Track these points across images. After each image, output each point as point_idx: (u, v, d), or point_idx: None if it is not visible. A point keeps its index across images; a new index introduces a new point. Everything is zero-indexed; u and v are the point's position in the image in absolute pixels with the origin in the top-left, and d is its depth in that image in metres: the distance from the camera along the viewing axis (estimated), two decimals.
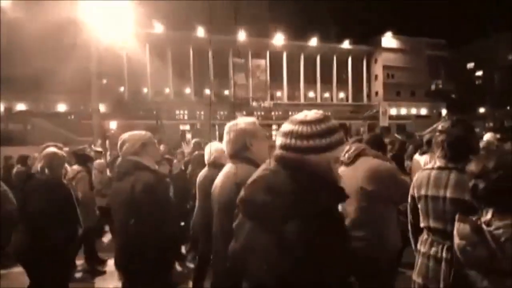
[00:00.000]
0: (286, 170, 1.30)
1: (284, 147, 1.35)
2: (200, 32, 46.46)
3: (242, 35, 48.75)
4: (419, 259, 2.40)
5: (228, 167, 2.19)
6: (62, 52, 31.96)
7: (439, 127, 2.42)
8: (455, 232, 1.91)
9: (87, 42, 14.38)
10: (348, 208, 2.95)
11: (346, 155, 3.07)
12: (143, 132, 3.00)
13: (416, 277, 2.40)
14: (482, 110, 49.93)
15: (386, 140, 5.64)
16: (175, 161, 6.65)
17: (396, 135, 18.21)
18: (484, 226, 1.76)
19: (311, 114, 1.38)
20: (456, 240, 1.88)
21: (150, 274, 2.68)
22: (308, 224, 1.19)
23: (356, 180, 2.94)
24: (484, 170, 1.81)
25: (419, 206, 2.43)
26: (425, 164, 6.05)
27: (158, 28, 45.46)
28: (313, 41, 52.73)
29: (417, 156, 6.48)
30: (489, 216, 1.77)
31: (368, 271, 2.81)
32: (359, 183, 2.94)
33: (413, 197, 2.50)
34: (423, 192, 2.37)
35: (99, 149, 8.71)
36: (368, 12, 62.20)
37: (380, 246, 2.93)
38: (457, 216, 1.94)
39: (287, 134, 1.35)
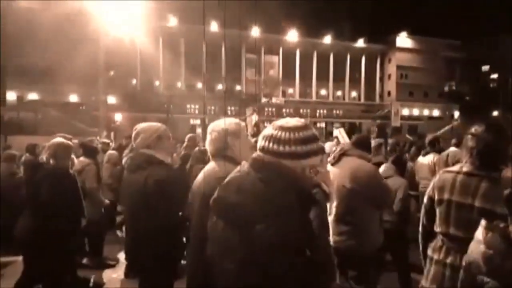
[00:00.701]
0: (260, 173, 1.35)
1: (262, 149, 1.42)
2: (214, 26, 46.37)
3: (255, 31, 48.56)
4: (431, 266, 2.31)
5: (210, 165, 2.22)
6: (74, 43, 32.21)
7: (472, 130, 2.25)
8: (480, 238, 1.79)
9: (97, 33, 14.46)
10: (333, 205, 3.17)
11: (332, 155, 3.32)
12: (158, 124, 2.96)
13: (429, 284, 2.30)
14: (495, 113, 49.13)
15: (394, 140, 5.68)
16: (174, 155, 6.57)
17: (407, 135, 18.11)
18: None
19: (292, 121, 1.45)
20: (481, 248, 1.76)
21: (159, 267, 2.68)
22: (275, 227, 1.23)
23: (338, 179, 3.14)
24: None
25: (437, 209, 2.30)
26: (429, 165, 6.26)
27: (172, 21, 45.53)
28: (327, 39, 52.42)
29: (420, 158, 6.57)
30: None
31: (348, 264, 3.16)
32: (341, 181, 3.13)
33: (431, 199, 2.37)
34: (446, 196, 2.24)
35: (107, 140, 8.70)
36: (383, 11, 61.48)
37: (360, 241, 3.10)
38: (484, 223, 1.82)
39: (266, 138, 1.42)
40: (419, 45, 55.08)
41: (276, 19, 46.31)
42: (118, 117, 23.43)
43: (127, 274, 4.69)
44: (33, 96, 41.36)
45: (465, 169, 2.20)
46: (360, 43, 54.36)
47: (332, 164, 3.27)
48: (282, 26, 48.30)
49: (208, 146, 2.26)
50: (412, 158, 7.33)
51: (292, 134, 1.38)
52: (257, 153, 1.44)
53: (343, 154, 3.28)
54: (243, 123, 2.42)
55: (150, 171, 2.68)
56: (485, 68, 57.23)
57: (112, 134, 12.94)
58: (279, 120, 1.46)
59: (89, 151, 5.38)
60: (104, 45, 14.37)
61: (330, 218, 3.13)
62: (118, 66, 34.98)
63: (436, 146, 6.55)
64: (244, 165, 1.43)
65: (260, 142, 1.44)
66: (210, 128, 2.27)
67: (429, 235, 2.41)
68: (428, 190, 2.41)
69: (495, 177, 2.05)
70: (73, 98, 43.88)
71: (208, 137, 2.25)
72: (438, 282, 2.25)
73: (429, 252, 2.35)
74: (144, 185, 2.63)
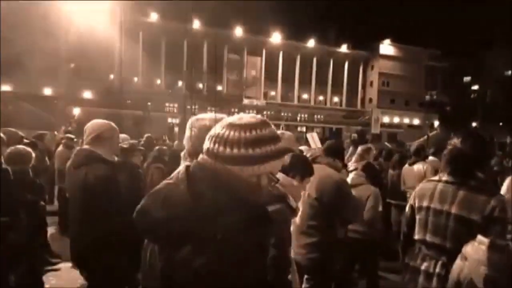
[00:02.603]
0: (191, 184, 1.12)
1: (207, 153, 1.17)
2: (196, 24, 45.75)
3: (239, 31, 48.11)
4: (407, 274, 2.34)
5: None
6: (43, 35, 31.08)
7: (450, 140, 2.31)
8: (476, 257, 1.71)
9: (64, 27, 13.70)
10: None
11: None
12: (105, 121, 2.96)
13: None
14: (474, 124, 49.75)
15: (372, 147, 5.49)
16: None
17: (386, 143, 17.86)
18: None
19: (246, 117, 1.18)
20: (482, 270, 1.67)
21: (105, 268, 2.71)
22: (206, 257, 1.05)
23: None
24: None
25: (417, 217, 2.35)
26: (419, 173, 5.93)
27: (153, 17, 44.61)
28: (311, 43, 52.18)
29: (407, 166, 6.27)
30: None
31: (311, 278, 3.04)
32: (307, 189, 2.91)
33: (412, 208, 2.43)
34: (425, 203, 2.30)
35: (72, 136, 7.94)
36: (367, 17, 61.75)
37: (323, 256, 2.98)
38: (485, 241, 1.73)
39: (211, 138, 1.17)
40: (402, 53, 55.32)
41: (260, 20, 46.02)
42: (77, 111, 22.55)
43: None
44: (5, 88, 39.84)
45: (444, 178, 2.27)
46: (344, 48, 54.28)
47: None
48: (266, 28, 47.95)
49: (185, 143, 1.93)
50: (393, 167, 7.07)
51: (243, 133, 1.12)
52: (200, 157, 1.19)
53: (312, 160, 3.01)
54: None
55: (90, 167, 2.73)
56: (467, 79, 57.98)
57: (69, 128, 12.13)
58: (231, 117, 1.21)
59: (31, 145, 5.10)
60: (65, 38, 13.58)
61: (293, 228, 2.96)
62: (96, 61, 33.89)
63: (422, 154, 6.31)
64: (181, 170, 1.20)
65: (205, 143, 1.19)
66: (189, 123, 1.94)
67: (409, 246, 2.43)
68: (410, 199, 2.47)
69: (472, 184, 2.13)
70: (47, 91, 42.55)
71: (187, 133, 1.92)
72: None
73: (407, 259, 2.39)
74: (84, 181, 2.68)
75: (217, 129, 1.18)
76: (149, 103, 42.70)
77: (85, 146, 2.86)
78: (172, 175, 1.22)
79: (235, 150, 1.12)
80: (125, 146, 4.19)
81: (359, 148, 5.17)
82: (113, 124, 2.97)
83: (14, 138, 4.76)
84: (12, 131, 4.97)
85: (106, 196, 2.69)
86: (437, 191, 2.25)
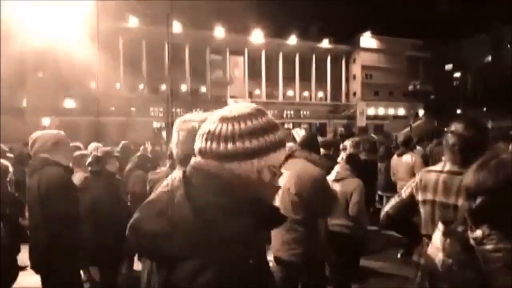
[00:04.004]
0: (192, 189, 1.00)
1: (200, 153, 1.06)
2: (177, 27, 45.34)
3: (220, 31, 47.85)
4: (419, 272, 2.16)
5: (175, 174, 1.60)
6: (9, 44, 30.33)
7: (452, 128, 2.20)
8: (438, 245, 1.69)
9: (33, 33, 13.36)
10: None
11: None
12: (55, 131, 3.14)
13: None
14: (458, 111, 50.33)
15: (357, 139, 5.52)
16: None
17: (373, 135, 17.90)
18: (473, 244, 1.52)
19: (238, 107, 1.07)
20: (439, 256, 1.68)
21: (62, 272, 2.80)
22: (213, 268, 0.93)
23: (284, 182, 2.92)
24: (485, 185, 1.51)
25: (422, 210, 2.27)
26: (407, 164, 5.90)
27: (133, 22, 44.13)
28: (292, 40, 52.15)
29: (395, 158, 6.24)
30: (480, 233, 1.50)
31: (292, 276, 3.00)
32: (286, 185, 2.95)
33: (412, 196, 2.32)
34: (429, 196, 2.20)
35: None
36: (347, 11, 62.00)
37: (304, 251, 2.93)
38: (441, 227, 1.72)
39: (202, 136, 1.06)
40: (383, 45, 55.62)
41: (241, 19, 45.85)
42: (47, 122, 22.08)
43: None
44: None
45: (447, 167, 2.19)
46: (325, 43, 54.36)
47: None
48: (247, 27, 47.79)
49: (174, 149, 1.70)
50: (381, 159, 7.14)
51: (237, 125, 1.01)
52: (194, 159, 1.08)
53: (290, 155, 3.07)
54: None
55: (45, 171, 2.85)
56: (448, 67, 58.57)
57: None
58: (221, 109, 1.09)
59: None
60: (30, 46, 13.22)
61: None
62: (79, 69, 33.21)
63: (410, 145, 6.34)
64: (176, 177, 1.08)
65: (196, 143, 1.07)
66: (177, 125, 1.70)
67: (390, 225, 2.46)
68: (411, 187, 2.34)
69: None
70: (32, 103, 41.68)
71: (175, 138, 1.69)
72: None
73: (415, 257, 2.34)
74: (38, 185, 2.80)
75: (207, 126, 1.07)
76: (133, 109, 42.27)
77: (40, 154, 2.95)
78: (166, 182, 1.09)
79: (230, 145, 1.00)
80: (99, 154, 4.07)
81: (347, 142, 5.12)
82: (62, 132, 3.14)
83: None
84: None
85: (62, 198, 2.78)
86: (440, 183, 2.16)
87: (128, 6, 38.09)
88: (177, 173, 1.57)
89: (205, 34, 46.52)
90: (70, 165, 3.25)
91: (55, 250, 2.72)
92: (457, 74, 55.10)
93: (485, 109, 46.55)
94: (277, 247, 2.98)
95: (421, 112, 54.12)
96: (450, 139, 2.18)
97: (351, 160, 4.08)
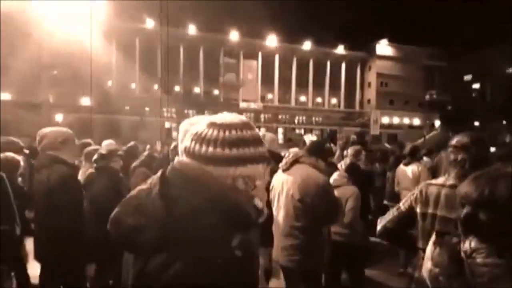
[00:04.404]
0: (167, 187, 1.07)
1: (185, 151, 1.14)
2: (192, 29, 45.70)
3: (234, 35, 48.00)
4: (412, 284, 2.26)
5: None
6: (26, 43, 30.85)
7: (453, 143, 2.21)
8: (427, 253, 1.74)
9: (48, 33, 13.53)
10: (279, 216, 3.06)
11: (284, 161, 3.15)
12: (63, 129, 3.20)
13: None
14: (476, 123, 49.39)
15: (358, 147, 5.45)
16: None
17: (386, 144, 17.66)
18: (463, 256, 1.53)
19: (229, 116, 1.15)
20: (428, 265, 1.71)
21: (65, 266, 2.89)
22: (177, 258, 0.99)
23: (288, 187, 3.00)
24: (489, 197, 1.47)
25: (421, 223, 2.26)
26: (413, 174, 5.84)
27: (149, 23, 44.61)
28: (307, 45, 52.03)
29: (401, 167, 6.14)
30: (472, 245, 1.51)
31: (294, 281, 3.05)
32: (290, 191, 2.99)
33: (411, 208, 2.32)
34: (430, 210, 2.20)
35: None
36: (363, 18, 61.64)
37: (305, 258, 2.95)
38: (433, 237, 1.75)
39: (191, 136, 1.14)
40: (400, 53, 55.12)
41: (255, 23, 45.96)
42: (59, 118, 22.34)
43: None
44: (5, 96, 39.67)
45: (450, 182, 2.17)
46: (340, 49, 54.08)
47: (284, 171, 3.14)
48: (261, 31, 47.87)
49: (179, 149, 1.65)
50: (390, 168, 6.99)
51: (222, 133, 1.09)
52: (177, 159, 1.16)
53: (295, 160, 3.10)
54: None
55: (53, 168, 2.91)
56: (467, 77, 57.52)
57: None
58: (215, 115, 1.16)
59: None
60: (46, 44, 13.36)
61: (275, 230, 3.11)
62: (96, 67, 33.66)
63: (417, 155, 6.26)
64: (157, 174, 1.15)
65: (185, 142, 1.15)
66: (184, 126, 1.71)
67: (388, 237, 2.45)
68: (410, 200, 2.34)
69: None
70: (51, 99, 42.41)
71: (181, 138, 1.71)
72: None
73: (409, 269, 2.49)
74: (47, 183, 2.86)
75: (197, 128, 1.14)
76: (146, 108, 42.62)
77: (48, 152, 3.02)
78: (149, 180, 1.15)
79: (210, 149, 1.07)
80: (104, 152, 4.26)
81: (349, 150, 5.20)
82: (69, 130, 3.20)
83: (13, 147, 4.73)
84: (11, 140, 4.97)
85: (68, 195, 2.86)
86: (442, 197, 2.16)
87: (144, 7, 38.45)
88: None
89: (220, 37, 46.72)
90: (76, 162, 3.37)
91: (58, 242, 2.83)
92: (476, 85, 54.06)
93: (504, 122, 45.59)
94: (276, 252, 3.01)
95: (437, 123, 53.26)
96: (452, 153, 2.19)
97: (350, 168, 4.13)
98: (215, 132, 1.09)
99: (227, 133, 1.09)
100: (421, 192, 2.29)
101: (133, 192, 1.13)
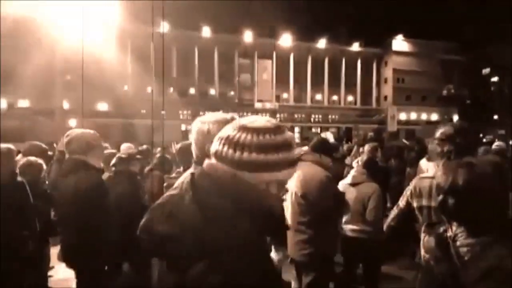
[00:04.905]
0: (200, 193, 1.06)
1: (215, 155, 1.10)
2: (206, 31, 45.92)
3: (248, 35, 48.03)
4: (419, 273, 2.33)
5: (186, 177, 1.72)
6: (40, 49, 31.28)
7: (438, 135, 2.29)
8: (421, 243, 1.98)
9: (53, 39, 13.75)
10: (288, 213, 3.09)
11: None
12: (91, 131, 3.11)
13: None
14: (496, 117, 48.27)
15: (375, 144, 5.56)
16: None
17: (404, 140, 17.41)
18: (450, 241, 1.69)
19: (261, 120, 1.11)
20: (422, 252, 1.98)
21: (90, 271, 2.92)
22: (219, 270, 0.97)
23: (292, 184, 3.04)
24: (454, 185, 1.61)
25: (419, 217, 2.35)
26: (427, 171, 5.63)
27: (164, 27, 45.00)
28: (321, 43, 51.70)
29: (424, 162, 5.94)
30: (456, 230, 1.68)
31: (305, 273, 3.15)
32: (293, 187, 3.07)
33: (408, 204, 2.43)
34: (425, 202, 2.27)
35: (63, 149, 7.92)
36: (378, 13, 60.85)
37: (314, 251, 3.03)
38: (423, 227, 2.00)
39: (221, 140, 1.10)
40: (416, 48, 54.22)
41: (269, 22, 45.91)
42: (73, 123, 22.69)
43: None
44: (24, 103, 40.42)
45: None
46: (356, 47, 53.53)
47: None
48: (275, 30, 47.77)
49: (193, 149, 1.75)
50: (411, 164, 6.91)
51: (256, 137, 1.05)
52: (206, 162, 1.13)
53: (299, 158, 2.77)
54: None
55: (81, 175, 2.88)
56: (486, 71, 56.25)
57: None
58: (245, 118, 1.13)
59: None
60: (57, 50, 13.57)
61: None
62: (110, 72, 34.21)
63: None
64: (185, 179, 1.16)
65: (214, 145, 1.11)
66: (195, 125, 1.73)
67: (393, 235, 2.56)
68: (407, 195, 2.46)
69: None
70: (65, 105, 43.09)
71: (192, 137, 1.78)
72: None
73: (417, 259, 2.58)
74: (75, 189, 2.83)
75: (227, 131, 1.10)
76: (163, 112, 42.96)
77: (75, 156, 2.98)
78: (177, 184, 1.18)
79: (245, 154, 1.04)
80: (123, 156, 4.41)
81: (366, 146, 5.24)
82: (96, 132, 3.11)
83: (38, 151, 4.91)
84: (36, 144, 5.15)
85: (96, 201, 2.84)
86: (434, 188, 2.20)
87: (158, 11, 38.78)
88: (187, 175, 1.54)
89: (234, 38, 46.81)
90: (101, 166, 3.35)
91: (84, 247, 2.83)
92: (494, 79, 52.81)
93: None
94: (290, 248, 3.03)
95: (455, 117, 52.27)
96: (439, 145, 2.27)
97: (369, 164, 4.04)
98: (249, 136, 1.06)
99: (260, 137, 1.06)
100: (415, 187, 2.39)
101: (164, 198, 1.11)
